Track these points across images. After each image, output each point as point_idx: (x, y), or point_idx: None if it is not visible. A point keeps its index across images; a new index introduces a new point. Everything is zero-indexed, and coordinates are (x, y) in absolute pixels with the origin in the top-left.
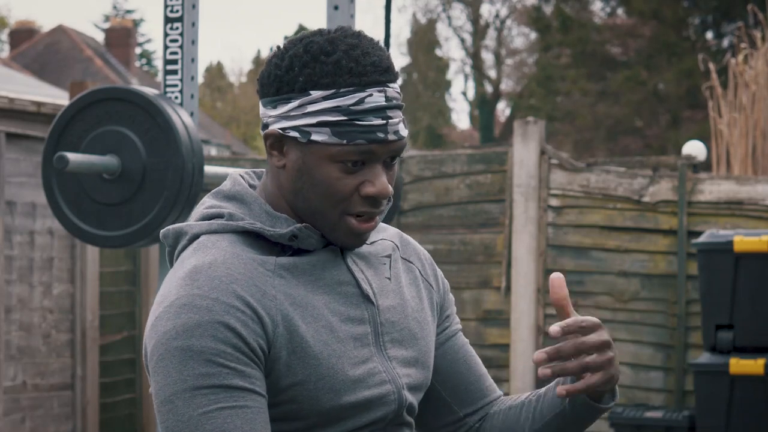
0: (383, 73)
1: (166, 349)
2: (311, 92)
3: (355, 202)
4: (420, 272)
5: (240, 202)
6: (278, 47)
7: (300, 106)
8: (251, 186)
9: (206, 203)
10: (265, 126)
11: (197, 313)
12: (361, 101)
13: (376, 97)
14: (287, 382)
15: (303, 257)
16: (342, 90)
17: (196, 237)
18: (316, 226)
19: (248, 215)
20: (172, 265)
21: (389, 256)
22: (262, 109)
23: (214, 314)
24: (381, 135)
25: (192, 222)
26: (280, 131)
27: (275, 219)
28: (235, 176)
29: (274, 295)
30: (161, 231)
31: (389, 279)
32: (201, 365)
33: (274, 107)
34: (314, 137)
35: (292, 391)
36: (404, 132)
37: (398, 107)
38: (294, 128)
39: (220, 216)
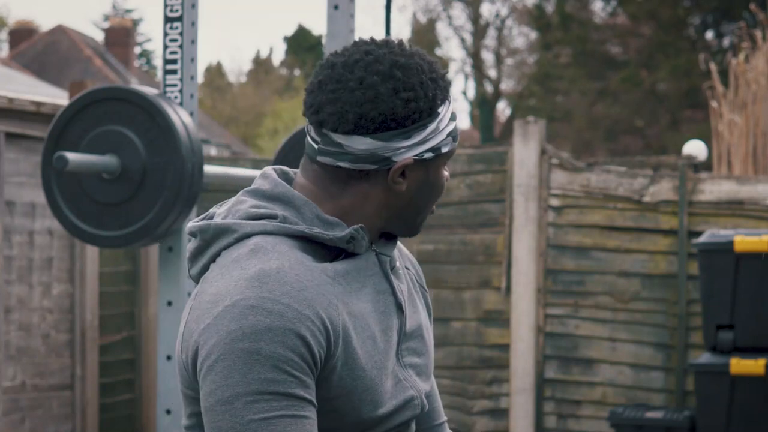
0: None
1: (230, 349)
2: (439, 111)
3: None
4: (416, 278)
5: (287, 204)
6: (388, 82)
7: (436, 128)
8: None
9: (248, 202)
10: (385, 159)
11: (268, 317)
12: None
13: None
14: (336, 393)
15: (350, 262)
16: (448, 99)
17: (246, 236)
18: (407, 227)
19: (301, 219)
20: (194, 259)
21: (399, 266)
22: (375, 143)
23: (286, 321)
24: None
25: (240, 220)
26: (415, 158)
27: (328, 224)
28: (272, 176)
29: (336, 304)
30: (196, 224)
31: (405, 287)
32: (267, 370)
33: (408, 137)
34: (443, 150)
35: (339, 401)
36: None
37: None
38: (429, 150)
39: (272, 217)
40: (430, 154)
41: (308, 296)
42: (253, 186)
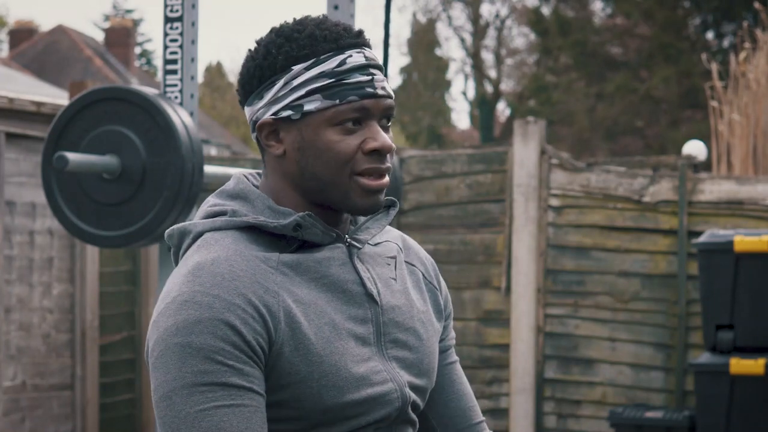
0: (357, 36)
1: (167, 345)
2: (293, 68)
3: (360, 160)
4: (423, 275)
5: (243, 199)
6: (249, 50)
7: (285, 84)
8: (255, 186)
9: (210, 202)
10: (255, 122)
11: (197, 310)
12: (342, 62)
13: (356, 57)
14: (289, 380)
15: (308, 254)
16: (322, 57)
17: (200, 235)
18: (332, 201)
19: (251, 211)
20: (176, 263)
21: (394, 258)
22: (248, 111)
23: (215, 311)
24: (370, 90)
25: (196, 221)
26: (272, 117)
27: (278, 213)
28: (238, 176)
29: (276, 291)
30: (166, 232)
31: (394, 280)
32: (200, 362)
33: (261, 97)
34: (307, 107)
35: (295, 388)
36: (391, 91)
37: (379, 67)
38: (285, 107)
39: (223, 213)
40: (289, 112)
41: (239, 285)
42: (221, 188)
